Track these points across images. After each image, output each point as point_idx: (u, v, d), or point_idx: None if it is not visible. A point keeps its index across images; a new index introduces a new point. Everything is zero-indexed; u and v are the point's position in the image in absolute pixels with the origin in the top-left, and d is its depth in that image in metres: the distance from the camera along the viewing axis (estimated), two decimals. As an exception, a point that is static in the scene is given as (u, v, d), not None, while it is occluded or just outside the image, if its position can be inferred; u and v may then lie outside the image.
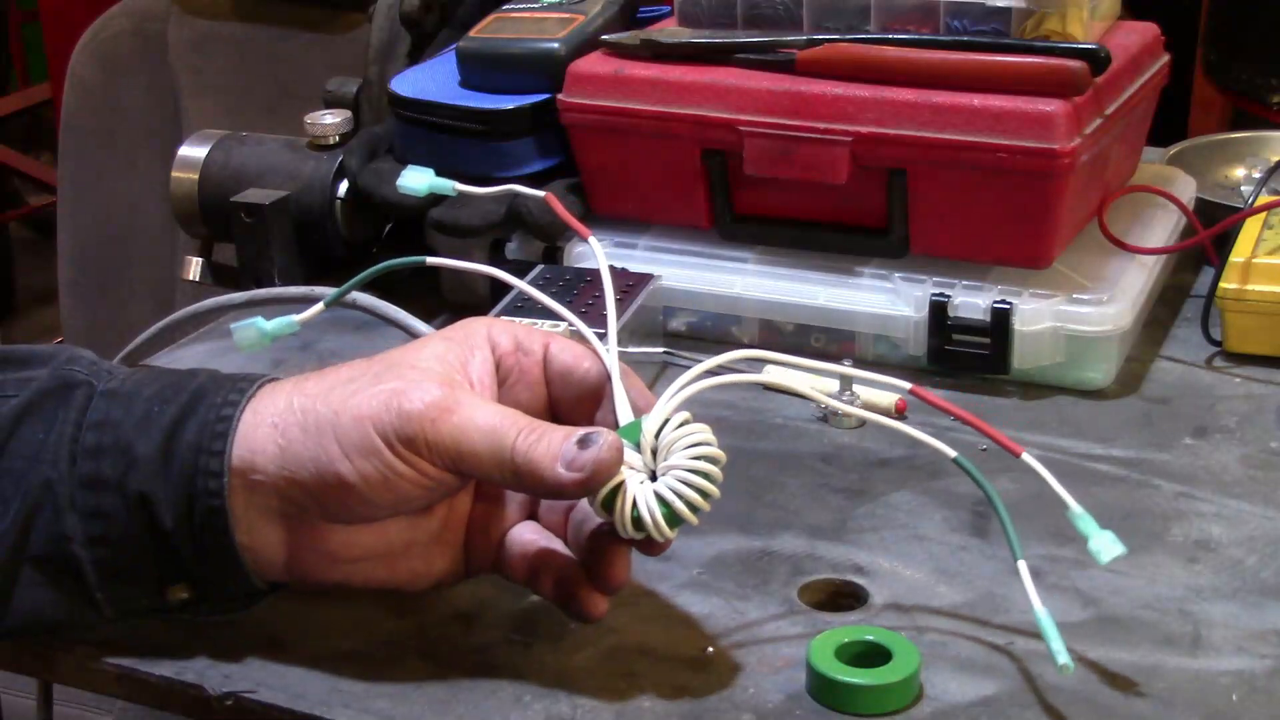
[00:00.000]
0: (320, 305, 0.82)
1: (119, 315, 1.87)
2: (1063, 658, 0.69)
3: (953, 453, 0.74)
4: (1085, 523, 0.72)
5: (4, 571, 0.70)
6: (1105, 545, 0.71)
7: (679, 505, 0.69)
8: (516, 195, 1.03)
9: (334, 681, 0.72)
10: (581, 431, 0.68)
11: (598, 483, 0.68)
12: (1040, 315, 0.97)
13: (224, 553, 0.70)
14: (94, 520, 0.70)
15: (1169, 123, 1.28)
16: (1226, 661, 0.73)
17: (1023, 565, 0.72)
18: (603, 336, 0.74)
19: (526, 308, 0.95)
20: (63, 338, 1.91)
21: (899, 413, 0.95)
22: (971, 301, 0.98)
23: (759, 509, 0.86)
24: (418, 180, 0.86)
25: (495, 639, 0.75)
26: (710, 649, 0.74)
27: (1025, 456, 0.74)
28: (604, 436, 0.68)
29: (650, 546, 0.70)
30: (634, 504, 0.69)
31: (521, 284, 0.79)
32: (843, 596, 0.79)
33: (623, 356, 0.74)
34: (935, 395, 0.76)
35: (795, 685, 0.71)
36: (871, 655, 0.71)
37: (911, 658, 0.71)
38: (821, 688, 0.70)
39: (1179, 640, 0.75)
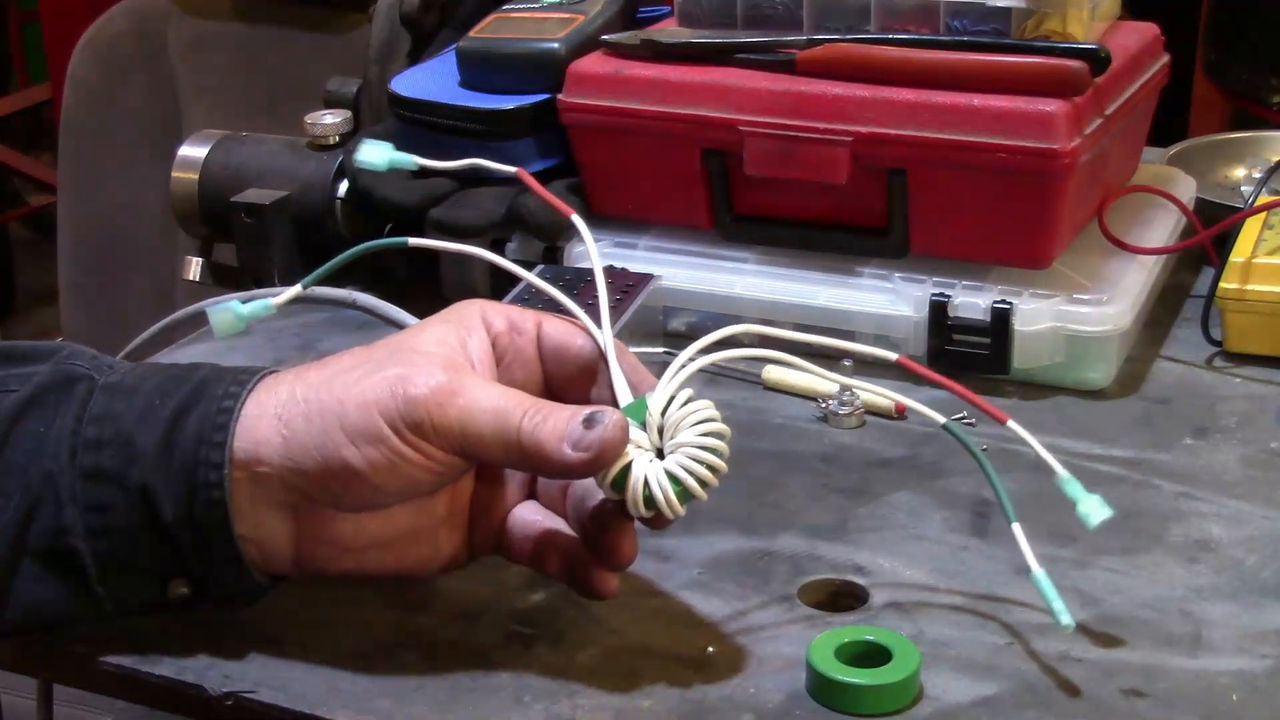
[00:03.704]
0: (298, 287, 0.79)
1: (119, 315, 1.87)
2: (1065, 618, 0.69)
3: (941, 419, 0.75)
4: (1073, 487, 0.73)
5: (4, 565, 0.70)
6: (1094, 508, 0.72)
7: (691, 482, 0.69)
8: (520, 188, 1.03)
9: (334, 681, 0.72)
10: (586, 411, 0.68)
11: (604, 462, 0.68)
12: (1040, 315, 0.97)
13: (224, 545, 0.70)
14: (95, 513, 0.70)
15: (1169, 123, 1.28)
16: (1226, 661, 0.73)
17: (1017, 528, 0.72)
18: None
19: (533, 301, 0.95)
20: (63, 337, 1.91)
21: (899, 414, 0.95)
22: (971, 301, 0.98)
23: (759, 509, 0.86)
24: (377, 155, 0.83)
25: (495, 639, 0.75)
26: (711, 649, 0.74)
27: (1011, 424, 0.74)
28: (609, 416, 0.68)
29: (658, 522, 0.71)
30: (645, 482, 0.69)
31: (529, 276, 0.79)
32: (843, 596, 0.79)
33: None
34: (921, 366, 0.76)
35: (795, 685, 0.71)
36: (871, 655, 0.71)
37: (911, 658, 0.71)
38: (821, 688, 0.70)
39: (1179, 640, 0.75)
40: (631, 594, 0.77)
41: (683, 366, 0.71)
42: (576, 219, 0.79)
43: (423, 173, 1.08)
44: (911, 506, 0.86)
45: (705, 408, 0.70)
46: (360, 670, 0.73)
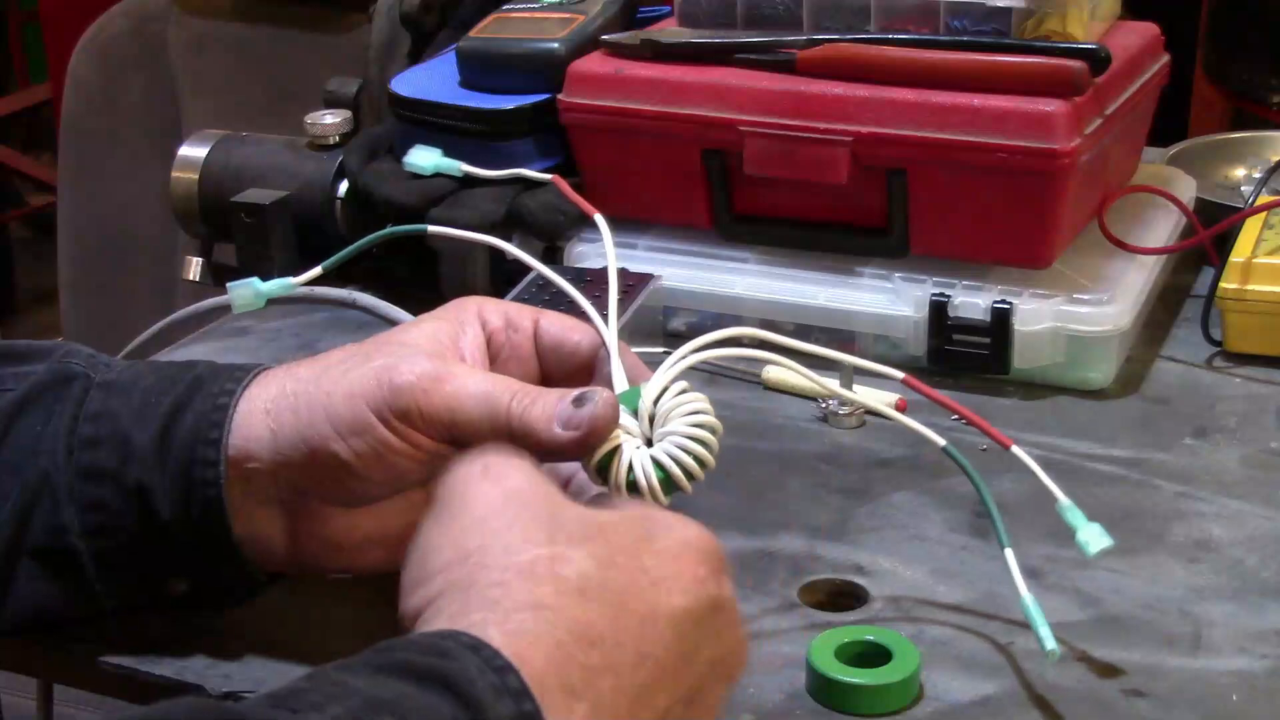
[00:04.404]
0: (318, 269, 0.80)
1: (119, 315, 1.88)
2: (1050, 643, 0.69)
3: (942, 441, 0.75)
4: (1073, 514, 0.72)
5: (3, 564, 0.70)
6: (1093, 537, 0.71)
7: (675, 470, 0.68)
8: (519, 189, 1.03)
9: (334, 681, 0.72)
10: (576, 392, 0.67)
11: (595, 440, 0.67)
12: (1040, 315, 0.97)
13: (222, 542, 0.70)
14: (92, 512, 0.70)
15: (1169, 123, 1.28)
16: (1226, 661, 0.73)
17: (1009, 553, 0.72)
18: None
19: (533, 300, 0.95)
20: (63, 337, 1.91)
21: (899, 411, 0.95)
22: (971, 301, 0.98)
23: (759, 509, 0.86)
24: (425, 158, 0.85)
25: (495, 639, 0.75)
26: (710, 649, 0.74)
27: (1015, 449, 0.74)
28: (599, 394, 0.67)
29: None
30: (629, 467, 0.68)
31: (539, 265, 0.79)
32: (843, 596, 0.79)
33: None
34: (927, 386, 0.76)
35: (795, 685, 0.71)
36: (871, 655, 0.71)
37: (911, 658, 0.71)
38: (821, 687, 0.70)
39: (1179, 640, 0.75)
40: (631, 594, 0.77)
41: (681, 359, 0.71)
42: (599, 219, 0.80)
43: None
44: (911, 506, 0.86)
45: (698, 400, 0.69)
46: (360, 670, 0.72)
